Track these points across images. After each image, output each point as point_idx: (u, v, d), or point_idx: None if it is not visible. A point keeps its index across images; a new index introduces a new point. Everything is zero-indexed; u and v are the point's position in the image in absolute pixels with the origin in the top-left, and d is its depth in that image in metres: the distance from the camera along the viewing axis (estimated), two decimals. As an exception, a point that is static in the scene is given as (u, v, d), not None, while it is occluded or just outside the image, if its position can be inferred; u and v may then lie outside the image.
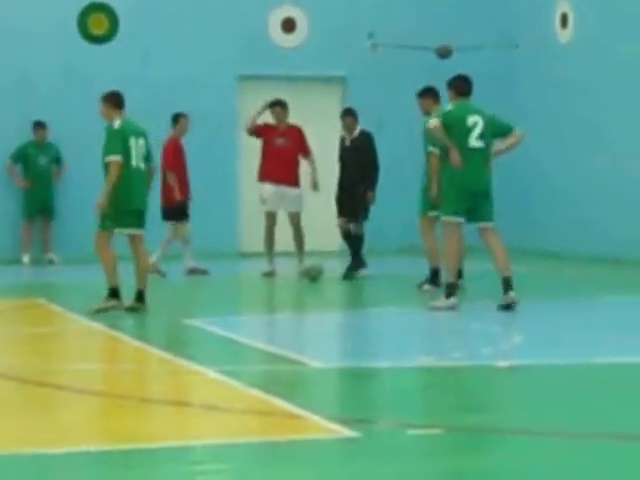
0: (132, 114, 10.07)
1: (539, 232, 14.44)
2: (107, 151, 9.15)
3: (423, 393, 6.64)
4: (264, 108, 12.27)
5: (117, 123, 9.21)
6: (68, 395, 6.42)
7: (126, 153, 9.13)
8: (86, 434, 5.41)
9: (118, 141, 9.13)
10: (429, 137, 10.36)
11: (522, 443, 4.93)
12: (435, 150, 10.31)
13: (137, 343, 8.42)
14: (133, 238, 9.38)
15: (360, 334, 9.47)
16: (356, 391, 6.76)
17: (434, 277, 11.21)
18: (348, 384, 7.05)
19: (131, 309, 9.25)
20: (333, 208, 13.14)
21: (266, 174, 12.11)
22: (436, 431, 5.09)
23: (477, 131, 9.52)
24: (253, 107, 13.49)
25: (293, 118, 12.94)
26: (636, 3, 13.41)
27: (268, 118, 12.27)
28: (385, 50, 15.11)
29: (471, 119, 9.49)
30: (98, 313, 9.05)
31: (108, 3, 14.80)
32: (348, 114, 12.34)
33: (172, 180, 11.87)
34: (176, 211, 12.36)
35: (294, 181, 12.16)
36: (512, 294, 9.41)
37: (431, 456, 4.75)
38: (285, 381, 6.79)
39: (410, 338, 8.98)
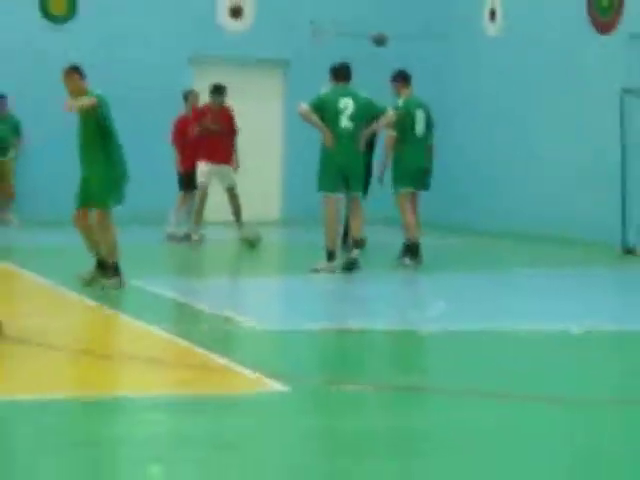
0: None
1: (465, 210, 14.66)
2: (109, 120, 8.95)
3: (352, 354, 6.72)
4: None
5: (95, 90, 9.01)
6: (23, 348, 6.45)
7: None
8: (32, 383, 5.41)
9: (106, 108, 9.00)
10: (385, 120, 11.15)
11: (444, 401, 5.13)
12: (392, 132, 10.75)
13: (89, 302, 8.41)
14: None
15: (294, 298, 9.42)
16: (288, 350, 6.78)
17: (413, 250, 11.24)
18: (281, 343, 7.09)
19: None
20: (272, 178, 14.31)
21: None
22: (360, 389, 5.34)
23: (347, 113, 10.09)
24: (202, 87, 13.96)
25: (239, 99, 13.58)
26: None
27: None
28: (326, 36, 15.66)
29: (342, 102, 10.04)
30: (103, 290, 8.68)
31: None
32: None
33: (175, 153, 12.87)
34: (179, 181, 13.11)
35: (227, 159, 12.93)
36: (356, 252, 10.11)
37: (354, 412, 4.94)
38: (224, 339, 6.95)
39: (342, 302, 9.02)
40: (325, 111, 10.29)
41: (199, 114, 13.10)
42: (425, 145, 11.05)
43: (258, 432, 4.69)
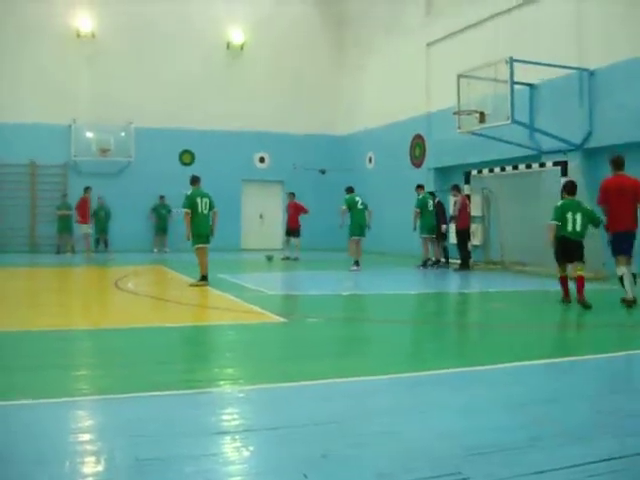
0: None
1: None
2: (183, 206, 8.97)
3: (314, 304, 7.58)
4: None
5: (189, 191, 9.30)
6: (168, 304, 7.63)
7: (195, 206, 9.01)
8: (172, 318, 6.58)
9: (188, 201, 9.06)
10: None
11: (354, 324, 6.25)
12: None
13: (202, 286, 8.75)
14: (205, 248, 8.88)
15: (295, 282, 10.74)
16: (287, 303, 7.93)
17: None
18: (284, 300, 8.24)
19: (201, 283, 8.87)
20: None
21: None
22: (318, 320, 6.29)
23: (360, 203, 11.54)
24: (249, 193, 17.70)
25: (263, 198, 17.55)
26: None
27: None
28: (299, 169, 18.58)
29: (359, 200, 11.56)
30: (192, 287, 8.62)
31: (191, 149, 17.97)
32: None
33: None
34: (285, 232, 14.71)
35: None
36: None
37: (320, 329, 5.88)
38: (257, 299, 7.59)
39: (314, 283, 10.07)
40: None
41: (298, 206, 14.40)
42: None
43: (270, 336, 5.60)
